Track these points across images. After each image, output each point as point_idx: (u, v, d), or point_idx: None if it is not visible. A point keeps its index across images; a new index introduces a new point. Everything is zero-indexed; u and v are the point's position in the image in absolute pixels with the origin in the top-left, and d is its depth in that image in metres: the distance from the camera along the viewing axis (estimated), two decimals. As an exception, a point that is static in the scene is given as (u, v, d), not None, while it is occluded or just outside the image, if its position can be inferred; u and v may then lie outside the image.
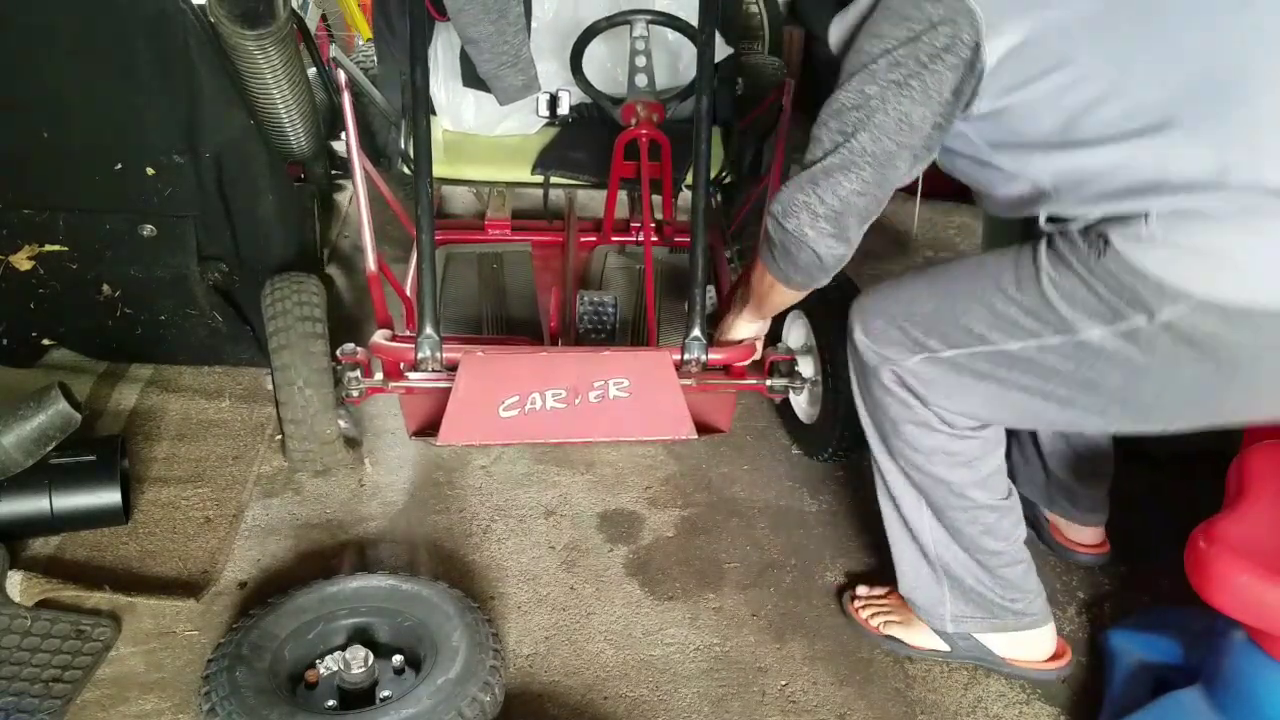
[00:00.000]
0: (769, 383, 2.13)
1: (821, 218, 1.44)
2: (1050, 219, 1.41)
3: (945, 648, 1.76)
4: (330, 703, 1.59)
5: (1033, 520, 2.07)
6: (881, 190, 1.44)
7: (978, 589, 1.67)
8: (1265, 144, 1.25)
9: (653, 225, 2.44)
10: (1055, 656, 1.74)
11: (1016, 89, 1.32)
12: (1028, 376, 1.43)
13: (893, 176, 1.42)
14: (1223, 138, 1.26)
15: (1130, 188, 1.30)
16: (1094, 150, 1.31)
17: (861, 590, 1.90)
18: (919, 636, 1.78)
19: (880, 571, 2.00)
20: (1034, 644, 1.72)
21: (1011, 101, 1.33)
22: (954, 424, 1.56)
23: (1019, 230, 1.78)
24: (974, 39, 1.29)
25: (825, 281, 1.58)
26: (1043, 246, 1.39)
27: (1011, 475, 1.66)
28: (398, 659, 1.64)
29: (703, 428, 2.06)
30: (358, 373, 2.01)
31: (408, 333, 2.05)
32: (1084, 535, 2.01)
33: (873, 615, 1.84)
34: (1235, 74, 1.26)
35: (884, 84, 1.35)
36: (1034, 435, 1.93)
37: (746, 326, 1.96)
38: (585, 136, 2.66)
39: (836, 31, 1.44)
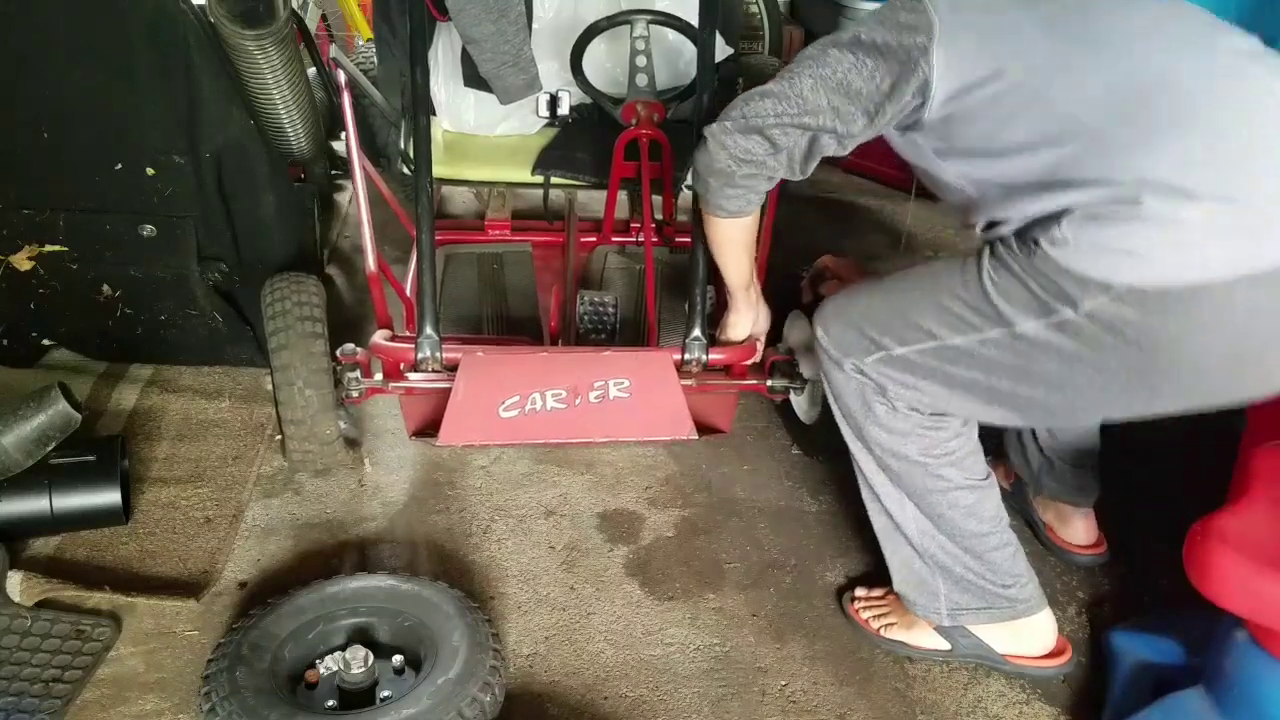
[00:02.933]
0: (769, 383, 2.13)
1: (730, 120, 1.58)
2: (986, 226, 1.52)
3: (946, 646, 1.77)
4: (330, 703, 1.59)
5: (1029, 522, 2.08)
6: (787, 134, 1.55)
7: (968, 576, 1.68)
8: (1155, 143, 1.35)
9: (653, 226, 2.44)
10: (1056, 653, 1.75)
11: (957, 98, 1.45)
12: (972, 371, 1.53)
13: (810, 124, 1.54)
14: (1124, 141, 1.37)
15: (1041, 185, 1.41)
16: (1010, 159, 1.44)
17: (860, 591, 1.90)
18: (920, 637, 1.78)
19: (880, 572, 2.00)
20: (1033, 635, 1.73)
21: (953, 110, 1.47)
22: (920, 409, 1.63)
23: None
24: (926, 43, 1.44)
25: (727, 206, 1.68)
26: (986, 251, 1.50)
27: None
28: (398, 659, 1.64)
29: (703, 428, 2.06)
30: (357, 373, 2.01)
31: (407, 333, 2.05)
32: (1079, 534, 2.02)
33: (873, 617, 1.85)
34: (1140, 89, 1.38)
35: (843, 49, 1.51)
36: None
37: (741, 317, 1.99)
38: (585, 137, 2.66)
39: None
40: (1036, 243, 1.40)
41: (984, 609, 1.70)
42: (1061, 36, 1.43)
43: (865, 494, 1.76)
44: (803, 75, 1.52)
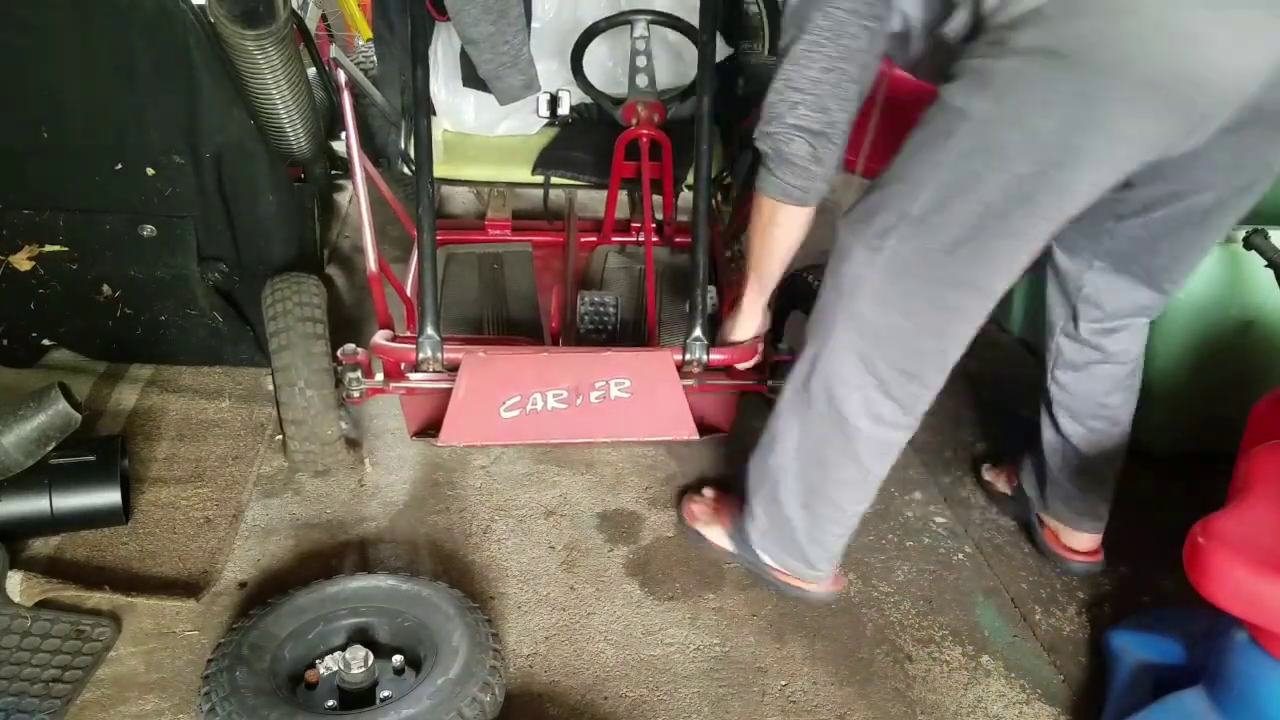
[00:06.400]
0: (770, 383, 2.13)
1: (800, 104, 1.53)
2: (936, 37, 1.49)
3: (731, 549, 1.94)
4: (330, 703, 1.59)
5: (1027, 523, 2.07)
6: (847, 64, 1.52)
7: (794, 523, 1.76)
8: None
9: (653, 226, 2.44)
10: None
11: None
12: (955, 171, 1.41)
13: (854, 45, 1.51)
14: None
15: None
16: None
17: (706, 491, 2.07)
18: (715, 535, 1.98)
19: (879, 571, 2.00)
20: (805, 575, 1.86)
21: None
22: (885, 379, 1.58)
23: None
24: None
25: (821, 188, 1.61)
26: (941, 82, 1.45)
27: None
28: (398, 659, 1.64)
29: (704, 428, 2.05)
30: (358, 373, 2.01)
31: (408, 333, 2.05)
32: (1078, 541, 2.01)
33: (695, 508, 2.04)
34: None
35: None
36: (1040, 433, 1.95)
37: (749, 318, 1.96)
38: (585, 137, 2.66)
39: None
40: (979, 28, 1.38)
41: (781, 556, 1.82)
42: None
43: (777, 415, 1.74)
44: (811, 16, 1.52)
